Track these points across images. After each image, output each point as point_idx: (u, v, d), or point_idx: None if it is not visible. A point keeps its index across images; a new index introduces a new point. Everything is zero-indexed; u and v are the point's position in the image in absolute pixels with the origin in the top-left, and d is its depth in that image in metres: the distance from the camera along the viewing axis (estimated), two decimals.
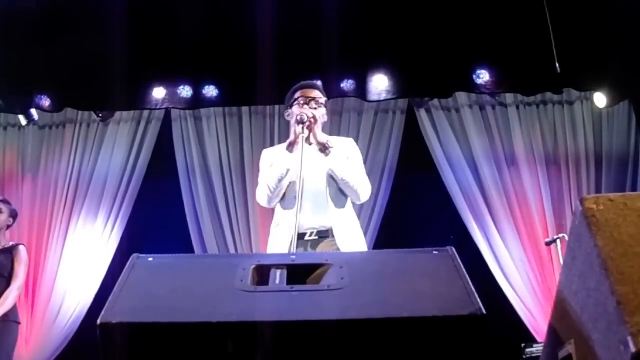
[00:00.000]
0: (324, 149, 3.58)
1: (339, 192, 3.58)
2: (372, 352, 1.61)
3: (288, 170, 3.46)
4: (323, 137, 3.62)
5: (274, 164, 3.59)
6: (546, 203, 6.32)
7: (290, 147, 3.54)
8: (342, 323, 1.61)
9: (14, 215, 5.15)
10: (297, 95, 3.73)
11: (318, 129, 3.59)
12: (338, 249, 3.41)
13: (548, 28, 5.58)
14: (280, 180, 3.50)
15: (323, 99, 3.74)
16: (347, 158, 3.67)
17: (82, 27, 5.82)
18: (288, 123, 3.81)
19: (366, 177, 3.70)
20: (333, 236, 3.48)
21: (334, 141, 3.72)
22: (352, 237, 3.53)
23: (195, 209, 6.61)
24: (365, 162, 4.19)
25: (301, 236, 3.44)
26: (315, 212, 3.50)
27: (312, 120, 3.54)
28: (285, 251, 3.24)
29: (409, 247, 2.03)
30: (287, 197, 3.55)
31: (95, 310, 5.79)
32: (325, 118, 3.79)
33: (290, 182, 3.50)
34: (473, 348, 1.60)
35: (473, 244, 6.27)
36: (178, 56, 5.93)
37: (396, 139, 6.66)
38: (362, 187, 3.61)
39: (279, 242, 3.44)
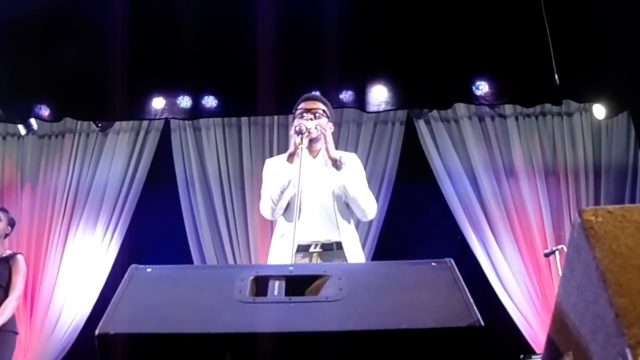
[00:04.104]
0: (334, 163, 3.57)
1: (345, 206, 3.59)
2: None
3: (289, 182, 3.45)
4: (336, 153, 3.62)
5: (276, 174, 3.60)
6: (545, 214, 6.32)
7: (290, 158, 3.53)
8: (340, 334, 1.60)
9: (12, 223, 5.13)
10: (299, 107, 3.75)
11: (330, 144, 3.59)
12: (346, 262, 3.41)
13: (547, 39, 5.60)
14: (282, 192, 3.49)
15: (323, 110, 3.74)
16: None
17: (82, 37, 5.84)
18: (287, 133, 3.82)
19: (372, 194, 3.71)
20: (338, 249, 3.48)
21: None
22: (357, 251, 3.55)
23: (194, 220, 6.61)
24: None
25: (305, 248, 3.45)
26: (321, 225, 3.51)
27: (310, 130, 3.55)
28: (288, 262, 3.23)
29: (407, 258, 2.03)
30: (291, 209, 3.54)
31: (93, 320, 5.78)
32: (331, 128, 3.80)
33: (293, 194, 3.49)
34: None
35: (472, 255, 6.27)
36: (177, 66, 5.94)
37: (395, 150, 6.67)
38: (370, 205, 3.62)
39: (283, 252, 3.42)
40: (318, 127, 3.62)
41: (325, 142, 3.60)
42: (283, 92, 5.46)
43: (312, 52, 5.64)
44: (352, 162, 3.75)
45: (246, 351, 1.59)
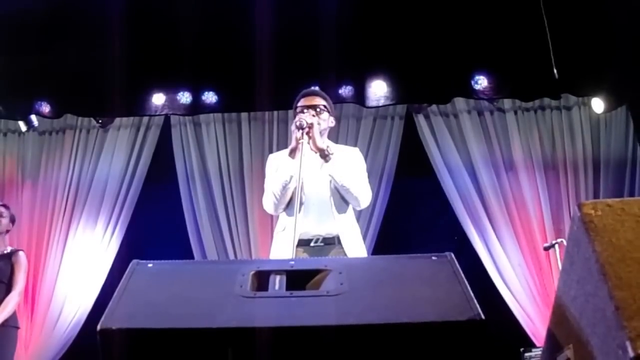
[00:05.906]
0: (323, 155, 3.58)
1: (342, 199, 3.59)
2: (371, 358, 1.62)
3: (291, 177, 3.46)
4: (322, 143, 3.62)
5: (278, 169, 3.60)
6: (544, 208, 6.33)
7: (292, 153, 3.54)
8: (341, 329, 1.61)
9: (13, 220, 5.16)
10: (299, 103, 3.75)
11: (317, 134, 3.59)
12: (345, 256, 3.41)
13: (546, 34, 5.59)
14: (284, 187, 3.50)
15: (323, 105, 3.74)
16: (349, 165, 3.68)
17: (82, 33, 5.84)
18: (287, 128, 3.81)
19: (367, 183, 3.70)
20: (339, 243, 3.49)
21: (338, 149, 3.73)
22: (357, 244, 3.55)
23: (195, 215, 6.61)
24: None
25: (306, 242, 3.47)
26: (320, 219, 3.52)
27: (310, 126, 3.55)
28: (290, 256, 3.24)
29: (407, 252, 2.04)
30: (293, 203, 3.54)
31: (94, 316, 5.78)
32: (331, 123, 3.80)
33: (295, 189, 3.49)
34: (472, 353, 1.60)
35: (471, 249, 6.27)
36: (177, 62, 5.93)
37: (395, 145, 6.67)
38: (362, 193, 3.60)
39: (285, 246, 3.43)
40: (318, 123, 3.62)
41: (312, 134, 3.57)
42: (283, 87, 5.46)
43: (311, 47, 5.63)
44: (347, 153, 3.76)
45: (247, 346, 1.60)
